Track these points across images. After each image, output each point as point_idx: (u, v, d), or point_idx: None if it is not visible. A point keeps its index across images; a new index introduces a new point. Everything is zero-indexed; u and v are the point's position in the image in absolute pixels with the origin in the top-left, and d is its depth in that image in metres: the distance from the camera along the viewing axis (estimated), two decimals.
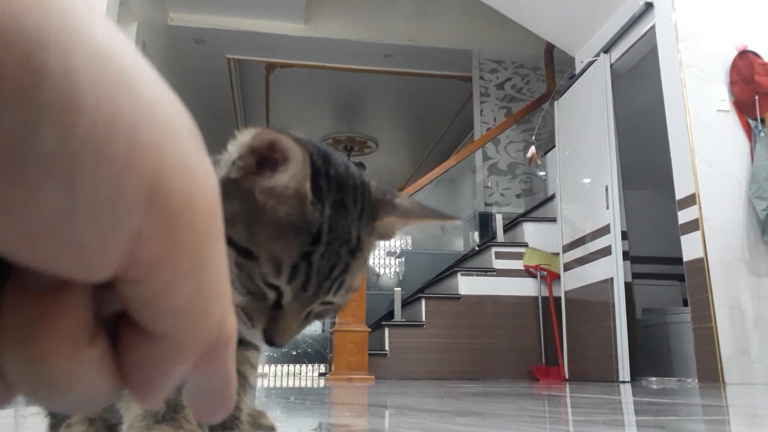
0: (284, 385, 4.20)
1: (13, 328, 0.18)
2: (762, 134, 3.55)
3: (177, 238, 0.18)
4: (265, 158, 0.56)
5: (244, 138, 0.57)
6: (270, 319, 0.60)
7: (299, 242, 0.56)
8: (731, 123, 3.67)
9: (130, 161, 0.17)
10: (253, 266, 0.57)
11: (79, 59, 0.16)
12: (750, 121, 3.63)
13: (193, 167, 0.19)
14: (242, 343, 0.80)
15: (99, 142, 0.16)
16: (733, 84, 3.69)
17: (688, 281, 3.58)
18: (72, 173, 0.16)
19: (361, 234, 0.60)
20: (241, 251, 0.57)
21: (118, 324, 0.20)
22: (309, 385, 4.32)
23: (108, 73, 0.16)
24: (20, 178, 0.15)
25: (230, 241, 0.57)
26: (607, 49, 4.56)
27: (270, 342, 0.61)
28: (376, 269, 8.83)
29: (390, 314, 5.52)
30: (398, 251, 8.23)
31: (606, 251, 4.26)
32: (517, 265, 5.14)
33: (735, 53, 3.73)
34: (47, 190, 0.16)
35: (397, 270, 8.01)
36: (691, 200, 3.55)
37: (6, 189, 0.15)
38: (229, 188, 0.57)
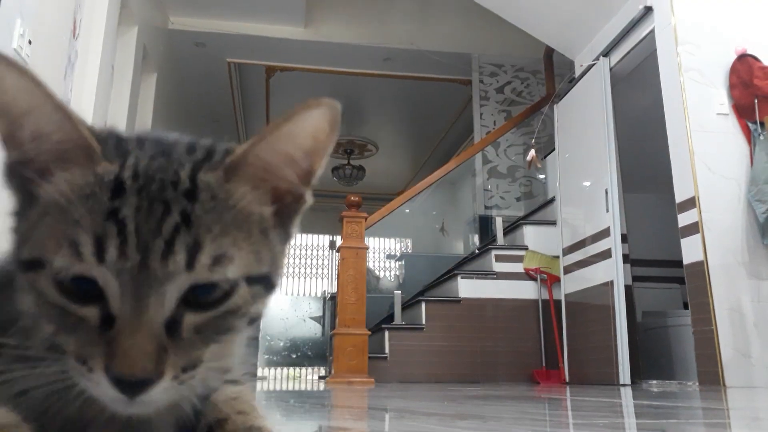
0: (284, 388, 4.19)
1: None
2: (761, 137, 3.55)
3: None
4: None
5: None
6: (107, 345, 0.40)
7: (94, 204, 0.42)
8: (730, 126, 3.67)
9: None
10: (47, 273, 0.42)
11: None
12: (749, 125, 3.64)
13: None
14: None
15: None
16: (732, 87, 3.70)
17: (688, 284, 3.58)
18: None
19: (200, 175, 0.45)
20: (33, 265, 0.42)
21: None
22: (309, 388, 4.31)
23: None
24: None
25: (21, 265, 0.43)
26: (606, 53, 4.57)
27: (120, 381, 0.40)
28: (377, 272, 8.82)
29: (390, 317, 5.51)
30: (398, 254, 8.23)
31: (606, 254, 4.26)
32: (518, 268, 5.14)
33: (734, 57, 3.74)
34: None
35: (397, 273, 7.99)
36: (690, 203, 3.55)
37: None
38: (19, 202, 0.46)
